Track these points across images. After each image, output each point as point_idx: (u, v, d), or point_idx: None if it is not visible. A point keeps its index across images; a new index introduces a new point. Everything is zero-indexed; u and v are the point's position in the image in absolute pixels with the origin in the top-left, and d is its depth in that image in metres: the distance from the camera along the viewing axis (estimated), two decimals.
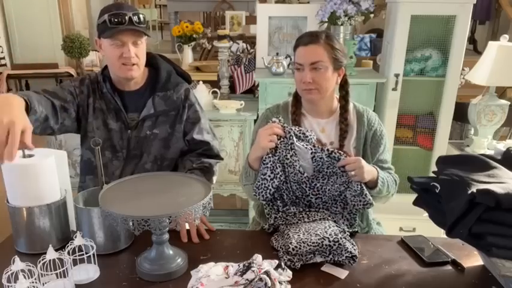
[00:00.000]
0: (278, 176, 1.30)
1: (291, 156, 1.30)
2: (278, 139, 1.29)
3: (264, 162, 1.30)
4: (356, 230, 1.34)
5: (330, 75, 1.38)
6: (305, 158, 1.30)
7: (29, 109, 1.22)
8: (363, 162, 1.28)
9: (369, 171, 1.30)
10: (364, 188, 1.29)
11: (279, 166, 1.30)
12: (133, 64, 1.45)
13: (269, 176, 1.30)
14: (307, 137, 1.31)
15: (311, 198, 1.36)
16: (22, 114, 1.11)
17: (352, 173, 1.27)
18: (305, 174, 1.31)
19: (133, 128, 1.53)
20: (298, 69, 1.40)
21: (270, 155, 1.30)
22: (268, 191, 1.31)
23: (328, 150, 1.29)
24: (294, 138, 1.29)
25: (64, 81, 3.98)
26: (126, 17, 1.39)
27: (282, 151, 1.30)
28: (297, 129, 1.31)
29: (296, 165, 1.30)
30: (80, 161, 1.64)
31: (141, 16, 1.43)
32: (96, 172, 1.24)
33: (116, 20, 1.39)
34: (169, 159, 1.59)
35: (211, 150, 1.62)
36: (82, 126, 1.54)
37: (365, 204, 1.29)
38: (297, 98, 1.49)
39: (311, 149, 1.30)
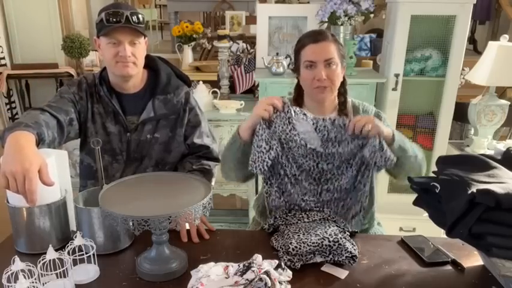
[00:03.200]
0: (274, 147, 1.28)
1: (289, 130, 1.28)
2: (275, 112, 1.28)
3: (258, 134, 1.27)
4: (356, 230, 1.34)
5: (340, 71, 1.39)
6: (307, 131, 1.28)
7: (39, 139, 1.22)
8: (372, 116, 1.25)
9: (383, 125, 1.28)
10: (384, 143, 1.25)
11: (275, 138, 1.28)
12: (130, 62, 1.42)
13: (265, 148, 1.27)
14: (305, 115, 1.30)
15: (322, 165, 1.33)
16: (34, 154, 1.10)
17: (368, 127, 1.23)
18: (308, 146, 1.29)
19: (133, 131, 1.52)
20: (309, 66, 1.38)
21: (265, 127, 1.27)
22: (264, 163, 1.28)
23: (330, 118, 1.28)
24: (292, 112, 1.27)
25: (64, 81, 3.97)
26: (123, 16, 1.38)
27: (279, 126, 1.28)
28: (297, 108, 1.30)
29: (297, 139, 1.28)
30: (79, 166, 1.63)
31: (140, 16, 1.42)
32: (97, 176, 1.24)
33: (113, 18, 1.38)
34: (171, 163, 1.58)
35: (210, 153, 1.62)
36: (82, 131, 1.53)
37: (386, 160, 1.23)
38: (298, 96, 1.49)
39: (312, 120, 1.28)
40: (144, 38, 1.47)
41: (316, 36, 1.38)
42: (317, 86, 1.36)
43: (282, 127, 1.28)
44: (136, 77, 1.51)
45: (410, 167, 1.35)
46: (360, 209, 1.37)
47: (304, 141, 1.28)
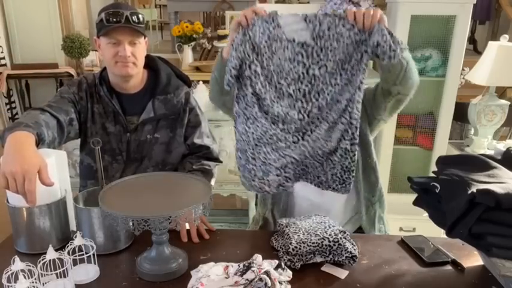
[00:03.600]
0: (241, 54, 1.14)
1: (273, 28, 1.13)
2: (256, 18, 1.14)
3: (233, 44, 1.14)
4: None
5: None
6: (295, 23, 1.13)
7: (39, 139, 1.22)
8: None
9: None
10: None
11: (248, 45, 1.14)
12: (130, 62, 1.42)
13: (233, 56, 1.14)
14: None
15: (313, 70, 1.16)
16: (34, 155, 1.10)
17: (369, 13, 1.09)
18: (297, 41, 1.13)
19: (133, 131, 1.52)
20: None
21: (240, 32, 1.14)
22: (228, 73, 1.15)
23: (322, 10, 1.18)
24: (278, 11, 1.14)
25: (64, 81, 3.97)
26: (123, 16, 1.38)
27: (260, 27, 1.13)
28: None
29: (282, 36, 1.13)
30: (79, 166, 1.63)
31: (140, 16, 1.42)
32: (97, 176, 1.24)
33: (113, 18, 1.38)
34: (171, 163, 1.58)
35: (211, 154, 1.62)
36: (82, 131, 1.53)
37: (400, 42, 1.10)
38: None
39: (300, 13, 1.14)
40: (144, 38, 1.47)
41: None
42: None
43: (264, 28, 1.13)
44: (136, 77, 1.51)
45: (415, 73, 1.28)
46: (349, 128, 1.19)
47: (289, 37, 1.13)
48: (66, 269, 1.00)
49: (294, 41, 1.14)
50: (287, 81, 1.19)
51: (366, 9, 2.36)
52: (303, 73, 1.18)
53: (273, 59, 1.17)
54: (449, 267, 1.16)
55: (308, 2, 3.28)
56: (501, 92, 3.41)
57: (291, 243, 1.13)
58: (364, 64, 1.14)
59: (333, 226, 1.22)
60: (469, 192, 0.98)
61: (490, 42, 2.31)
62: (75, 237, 1.06)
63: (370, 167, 1.45)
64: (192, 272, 1.03)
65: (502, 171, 1.08)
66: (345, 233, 1.20)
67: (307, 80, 1.18)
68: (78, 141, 1.59)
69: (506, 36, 2.31)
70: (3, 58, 4.10)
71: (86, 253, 1.06)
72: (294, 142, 1.24)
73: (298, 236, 1.16)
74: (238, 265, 0.99)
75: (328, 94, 1.18)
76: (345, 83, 1.17)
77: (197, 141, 1.58)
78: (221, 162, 1.68)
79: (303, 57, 1.16)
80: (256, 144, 1.24)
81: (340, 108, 1.18)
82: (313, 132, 1.22)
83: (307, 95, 1.19)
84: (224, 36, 2.89)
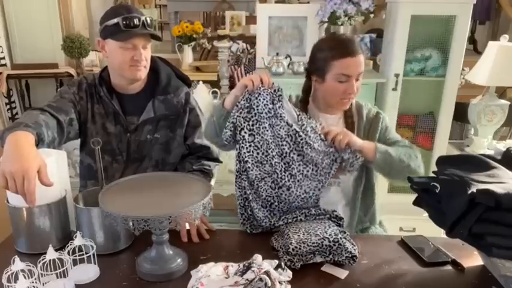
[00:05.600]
0: (235, 118, 1.26)
1: (279, 107, 1.27)
2: (262, 86, 1.26)
3: (238, 104, 1.26)
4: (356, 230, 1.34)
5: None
6: (291, 115, 1.29)
7: (39, 139, 1.22)
8: (344, 129, 1.33)
9: (358, 139, 1.32)
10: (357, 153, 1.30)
11: (243, 113, 1.26)
12: (142, 66, 1.44)
13: (230, 118, 1.27)
14: (291, 105, 1.32)
15: (294, 153, 1.31)
16: (33, 155, 1.10)
17: (339, 137, 1.27)
18: (293, 127, 1.29)
19: (133, 131, 1.52)
20: (342, 81, 1.34)
21: (247, 97, 1.25)
22: (228, 127, 1.27)
23: (309, 117, 1.34)
24: (284, 94, 1.28)
25: (64, 81, 3.97)
26: (140, 21, 1.39)
27: (264, 99, 1.25)
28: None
29: (284, 117, 1.27)
30: (79, 166, 1.63)
31: (151, 19, 1.44)
32: (97, 176, 1.24)
33: (130, 23, 1.38)
34: (171, 163, 1.58)
35: (211, 154, 1.62)
36: (82, 132, 1.53)
37: (361, 160, 1.30)
38: (307, 96, 1.48)
39: (295, 110, 1.32)
40: (160, 41, 1.48)
41: (352, 48, 1.33)
42: (347, 98, 1.37)
43: (268, 101, 1.26)
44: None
45: (397, 175, 1.37)
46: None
47: (290, 122, 1.28)
48: (66, 269, 1.00)
49: (291, 126, 1.29)
50: (273, 153, 1.31)
51: (365, 8, 2.36)
52: (286, 152, 1.31)
53: (268, 130, 1.29)
54: (449, 267, 1.16)
55: (308, 2, 3.28)
56: (501, 92, 3.40)
57: (291, 243, 1.13)
58: (332, 170, 1.33)
59: (333, 226, 1.22)
60: (469, 192, 0.98)
61: (490, 42, 2.31)
62: (75, 237, 1.06)
63: (369, 188, 1.48)
64: (192, 272, 1.03)
65: (502, 171, 1.08)
66: (345, 233, 1.20)
67: (286, 160, 1.31)
68: (78, 141, 1.58)
69: (506, 36, 2.31)
70: (3, 58, 4.09)
71: (86, 253, 1.06)
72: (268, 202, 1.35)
73: (298, 236, 1.17)
74: (238, 265, 0.99)
75: (297, 180, 1.32)
76: (313, 179, 1.33)
77: (197, 141, 1.58)
78: (221, 162, 1.68)
79: (291, 140, 1.30)
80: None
81: (306, 198, 1.33)
82: (280, 203, 1.35)
83: (282, 171, 1.32)
84: (224, 36, 2.89)
